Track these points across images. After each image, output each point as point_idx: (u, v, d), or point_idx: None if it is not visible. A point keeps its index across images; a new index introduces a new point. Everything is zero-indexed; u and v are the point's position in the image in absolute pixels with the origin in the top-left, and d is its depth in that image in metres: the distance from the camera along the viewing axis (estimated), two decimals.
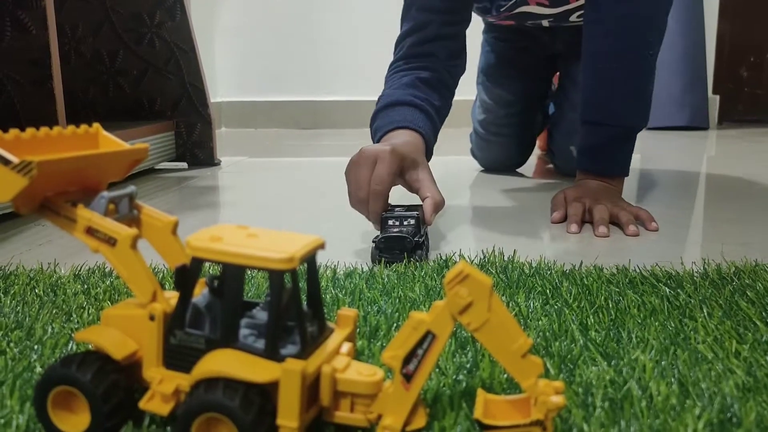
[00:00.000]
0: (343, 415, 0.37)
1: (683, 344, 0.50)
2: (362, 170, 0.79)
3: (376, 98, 0.98)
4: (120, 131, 1.26)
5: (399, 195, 0.90)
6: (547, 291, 0.62)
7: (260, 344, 0.36)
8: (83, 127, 0.43)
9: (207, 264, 0.37)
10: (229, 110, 2.81)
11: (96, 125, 0.44)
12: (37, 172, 0.35)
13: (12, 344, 0.51)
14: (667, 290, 0.62)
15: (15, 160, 0.35)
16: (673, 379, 0.44)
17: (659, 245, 0.84)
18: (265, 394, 0.35)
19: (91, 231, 0.38)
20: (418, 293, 0.62)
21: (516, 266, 0.71)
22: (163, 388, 0.37)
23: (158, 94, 1.57)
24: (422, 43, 1.00)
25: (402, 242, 0.73)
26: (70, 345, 0.51)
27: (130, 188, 0.42)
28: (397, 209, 0.80)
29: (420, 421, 0.37)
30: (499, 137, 1.44)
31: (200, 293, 0.39)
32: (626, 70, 0.95)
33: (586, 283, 0.64)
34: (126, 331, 0.39)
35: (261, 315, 0.38)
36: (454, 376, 0.44)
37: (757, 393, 0.42)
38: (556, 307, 0.58)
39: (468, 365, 0.46)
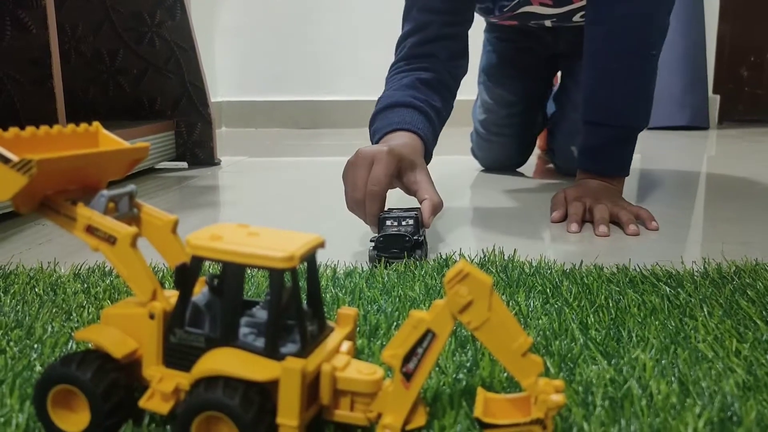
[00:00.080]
0: (343, 413, 0.37)
1: (683, 343, 0.50)
2: (359, 171, 0.78)
3: (376, 98, 0.98)
4: (120, 130, 1.26)
5: (396, 198, 0.90)
6: (548, 290, 0.62)
7: (260, 343, 0.36)
8: (83, 125, 0.43)
9: (207, 263, 0.37)
10: (229, 110, 2.81)
11: (96, 124, 0.44)
12: (37, 170, 0.35)
13: (12, 343, 0.51)
14: (668, 289, 0.62)
15: (15, 158, 0.35)
16: (673, 378, 0.44)
17: (659, 244, 0.84)
18: (265, 393, 0.35)
19: (91, 229, 0.38)
20: (418, 292, 0.62)
21: (516, 265, 0.71)
22: (163, 387, 0.37)
23: (158, 93, 1.57)
24: (423, 43, 0.99)
25: (401, 241, 0.73)
26: (70, 344, 0.51)
27: (130, 187, 0.42)
28: (394, 211, 0.78)
29: (420, 419, 0.37)
30: (500, 137, 1.44)
31: (200, 292, 0.39)
32: (628, 70, 0.95)
33: (586, 282, 0.64)
34: (126, 330, 0.39)
35: (261, 314, 0.38)
36: (454, 375, 0.44)
37: (758, 392, 0.42)
38: (556, 306, 0.58)
39: (468, 364, 0.46)
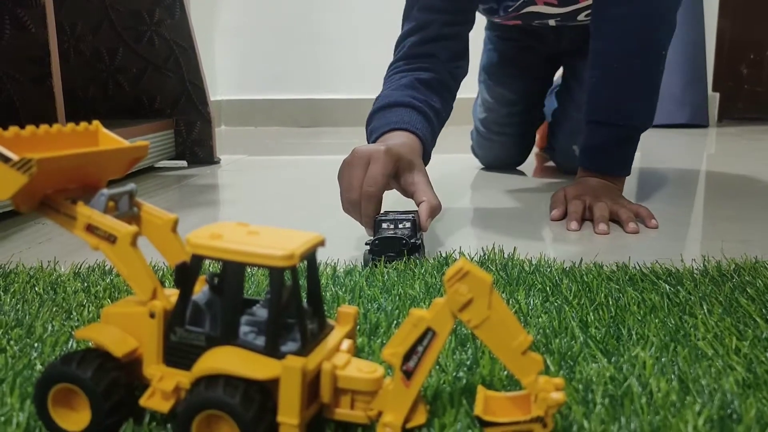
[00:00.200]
0: (343, 412, 0.37)
1: (683, 341, 0.50)
2: (355, 171, 0.76)
3: (375, 96, 0.97)
4: (120, 129, 1.26)
5: (393, 200, 0.90)
6: (547, 288, 0.62)
7: (260, 341, 0.36)
8: (83, 124, 0.43)
9: (207, 261, 0.37)
10: (228, 108, 2.80)
11: (96, 123, 0.44)
12: (37, 169, 0.35)
13: (12, 342, 0.51)
14: (667, 287, 0.62)
15: (15, 157, 0.35)
16: (673, 376, 0.44)
17: (659, 242, 0.84)
18: (265, 391, 0.35)
19: (91, 228, 0.38)
20: (418, 290, 0.62)
21: (516, 263, 0.71)
22: (163, 386, 0.37)
23: (158, 92, 1.57)
24: (423, 43, 0.98)
25: (397, 244, 0.70)
26: (71, 343, 0.51)
27: (130, 186, 0.42)
28: (390, 214, 0.76)
29: (420, 418, 0.38)
30: (501, 136, 1.44)
31: (200, 290, 0.39)
32: (635, 69, 0.94)
33: (586, 280, 0.64)
34: (126, 329, 0.39)
35: (261, 312, 0.38)
36: (455, 373, 0.44)
37: (757, 389, 0.42)
38: (556, 304, 0.58)
39: (468, 362, 0.46)
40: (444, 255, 0.75)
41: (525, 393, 0.38)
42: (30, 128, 0.39)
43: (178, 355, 0.37)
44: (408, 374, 0.37)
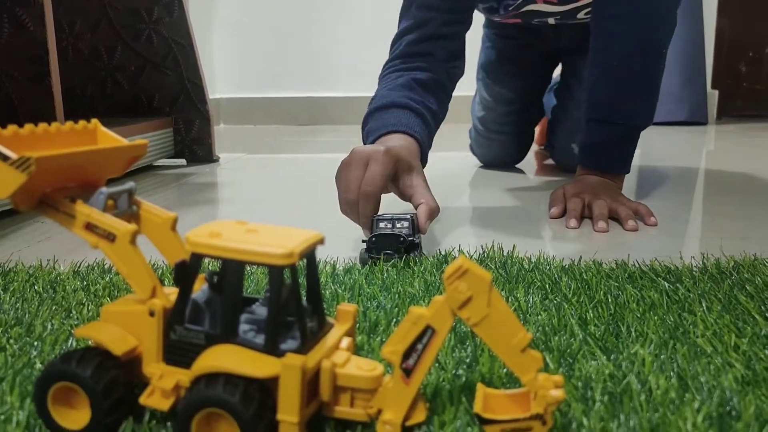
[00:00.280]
0: (343, 409, 0.37)
1: (682, 338, 0.50)
2: (353, 171, 0.75)
3: (374, 94, 0.96)
4: (118, 128, 1.25)
5: (389, 204, 0.89)
6: (547, 286, 0.62)
7: (260, 339, 0.36)
8: (82, 123, 0.43)
9: (206, 259, 0.37)
10: (227, 107, 2.80)
11: (94, 121, 0.44)
12: (36, 168, 0.35)
13: (12, 341, 0.51)
14: (666, 285, 0.62)
15: (13, 156, 0.35)
16: (672, 373, 0.44)
17: (658, 240, 0.84)
18: (265, 390, 0.35)
19: (90, 227, 0.38)
20: (418, 288, 0.62)
21: (515, 261, 0.71)
22: (163, 384, 0.37)
23: (156, 90, 1.57)
24: (421, 41, 0.97)
25: (395, 241, 0.70)
26: (70, 341, 0.51)
27: (129, 184, 0.42)
28: (388, 214, 0.74)
29: (420, 415, 0.38)
30: (500, 135, 1.44)
31: (200, 289, 0.39)
32: (635, 68, 0.94)
33: (585, 277, 0.64)
34: (126, 327, 0.39)
35: (260, 310, 0.38)
36: (454, 371, 0.44)
37: (756, 386, 0.42)
38: (555, 301, 0.58)
39: (467, 360, 0.46)
40: (443, 253, 0.75)
41: (524, 390, 0.38)
42: (29, 127, 0.39)
43: (178, 353, 0.37)
44: (407, 372, 0.37)
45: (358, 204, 0.74)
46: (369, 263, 0.70)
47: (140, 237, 0.40)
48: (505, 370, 0.45)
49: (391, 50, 1.01)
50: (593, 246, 0.81)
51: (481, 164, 1.51)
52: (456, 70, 1.01)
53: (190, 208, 1.07)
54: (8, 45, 1.00)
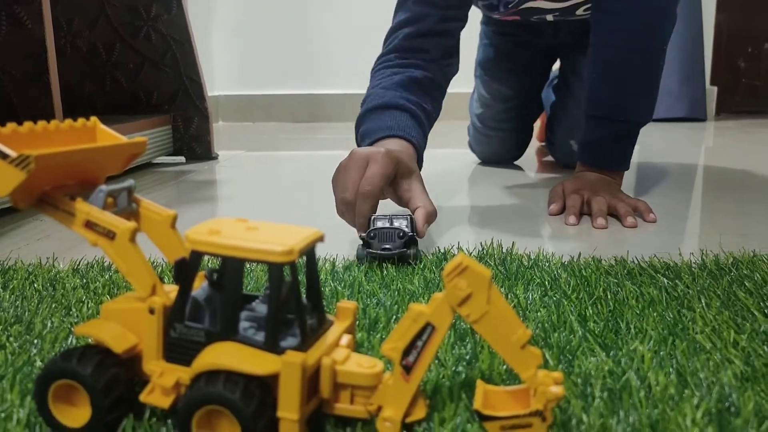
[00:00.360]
0: (343, 407, 0.37)
1: (681, 334, 0.50)
2: (351, 172, 0.73)
3: (367, 91, 0.93)
4: (117, 125, 1.25)
5: (384, 208, 0.88)
6: (546, 282, 0.62)
7: (260, 337, 0.36)
8: (81, 120, 0.43)
9: (206, 257, 0.37)
10: (226, 104, 2.80)
11: (93, 119, 0.44)
12: (35, 166, 0.35)
13: (11, 339, 0.51)
14: (665, 281, 0.62)
15: (13, 154, 0.35)
16: (671, 370, 0.44)
17: (657, 236, 0.84)
18: (265, 387, 0.35)
19: (89, 224, 0.38)
20: (417, 285, 0.62)
21: (515, 258, 0.71)
22: (163, 381, 0.37)
23: (155, 87, 1.57)
24: (417, 36, 0.96)
25: (394, 235, 0.68)
26: (70, 339, 0.51)
27: (129, 182, 0.42)
28: (385, 214, 0.73)
29: (420, 412, 0.38)
30: (498, 132, 1.44)
31: (200, 286, 0.39)
32: (636, 64, 0.94)
33: (584, 274, 0.64)
34: (126, 325, 0.39)
35: (260, 308, 0.38)
36: (454, 368, 0.44)
37: (755, 383, 0.42)
38: (554, 298, 0.58)
39: (467, 357, 0.46)
40: (442, 250, 0.75)
41: (524, 387, 0.38)
42: (28, 125, 0.39)
43: (178, 351, 0.37)
44: (407, 369, 0.37)
45: (354, 204, 0.73)
46: (367, 258, 0.69)
47: (140, 235, 0.40)
48: (504, 366, 0.45)
49: (385, 43, 0.99)
50: (592, 243, 0.81)
51: (480, 161, 1.51)
52: (450, 68, 1.00)
53: (189, 206, 1.07)
54: (6, 43, 1.00)
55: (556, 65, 1.43)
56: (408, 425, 0.37)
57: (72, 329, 0.52)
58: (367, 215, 0.72)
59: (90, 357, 0.37)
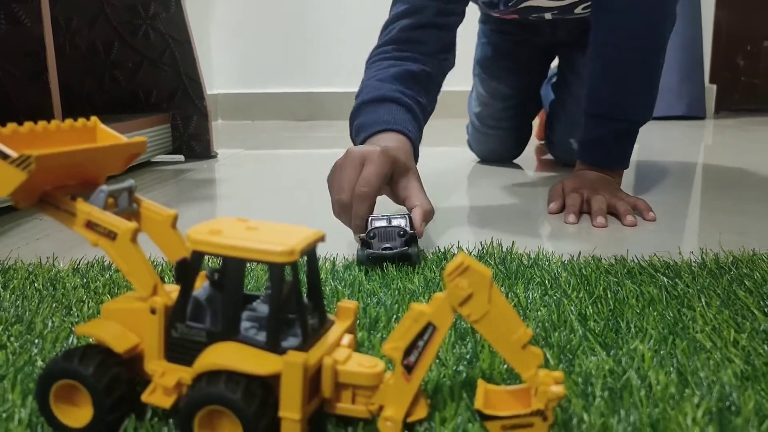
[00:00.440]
0: (344, 406, 0.38)
1: (682, 333, 0.50)
2: (347, 172, 0.72)
3: (362, 82, 0.92)
4: (116, 124, 1.25)
5: (381, 210, 0.87)
6: (546, 282, 0.62)
7: (261, 337, 0.36)
8: (81, 120, 0.43)
9: (207, 257, 0.37)
10: (225, 102, 2.80)
11: (94, 119, 0.44)
12: (36, 166, 0.35)
13: (12, 338, 0.51)
14: (666, 280, 0.62)
15: (13, 154, 0.35)
16: (671, 369, 0.44)
17: (657, 235, 0.84)
18: (266, 387, 0.35)
19: (90, 225, 0.38)
20: (418, 285, 0.62)
21: (515, 257, 0.71)
22: (165, 381, 0.37)
23: (154, 86, 1.56)
24: (415, 28, 0.95)
25: (394, 234, 0.68)
26: (71, 339, 0.51)
27: (129, 182, 0.42)
28: (383, 214, 0.72)
29: (421, 411, 0.38)
30: (497, 130, 1.43)
31: (201, 286, 0.39)
32: (636, 62, 0.94)
33: (584, 273, 0.65)
34: (127, 325, 0.39)
35: (262, 308, 0.38)
36: (455, 367, 0.45)
37: (756, 381, 0.43)
38: (555, 297, 0.58)
39: (468, 356, 0.46)
40: (442, 250, 0.75)
41: (525, 386, 0.38)
42: (28, 125, 0.39)
43: (180, 350, 0.37)
44: (409, 369, 0.37)
45: (351, 205, 0.71)
46: (369, 260, 0.68)
47: (141, 234, 0.40)
48: (505, 366, 0.45)
49: (381, 34, 0.98)
50: (592, 241, 0.81)
51: (479, 160, 1.51)
52: (447, 63, 0.99)
53: (188, 205, 1.07)
54: (5, 41, 1.00)
55: (554, 63, 1.43)
56: (409, 425, 0.37)
57: (73, 329, 0.52)
58: (364, 217, 0.71)
59: (91, 357, 0.37)
